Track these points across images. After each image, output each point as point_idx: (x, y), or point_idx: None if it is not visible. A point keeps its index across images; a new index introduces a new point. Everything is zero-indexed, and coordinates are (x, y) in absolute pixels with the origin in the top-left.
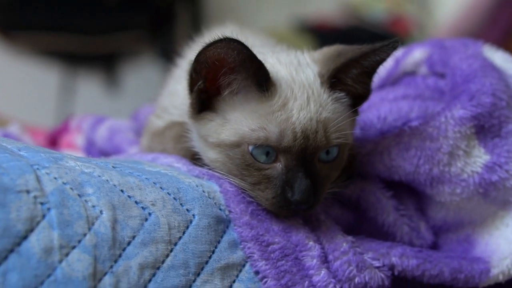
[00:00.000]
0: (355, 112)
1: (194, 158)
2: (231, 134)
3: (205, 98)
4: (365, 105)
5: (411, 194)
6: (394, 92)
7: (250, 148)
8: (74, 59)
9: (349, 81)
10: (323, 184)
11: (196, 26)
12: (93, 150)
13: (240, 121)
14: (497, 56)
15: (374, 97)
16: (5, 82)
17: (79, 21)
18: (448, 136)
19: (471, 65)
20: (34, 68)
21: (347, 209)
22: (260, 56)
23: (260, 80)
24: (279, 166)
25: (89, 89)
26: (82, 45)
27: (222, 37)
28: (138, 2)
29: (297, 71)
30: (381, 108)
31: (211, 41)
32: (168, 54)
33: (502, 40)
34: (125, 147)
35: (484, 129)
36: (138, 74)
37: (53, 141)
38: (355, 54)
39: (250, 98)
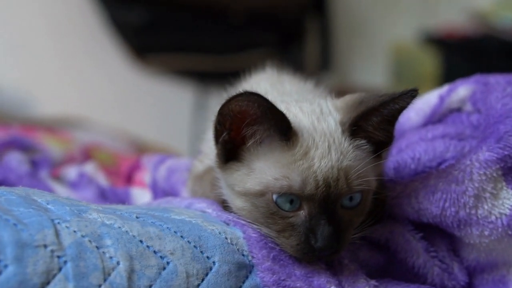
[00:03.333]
0: (379, 158)
1: (224, 206)
2: (255, 184)
3: (231, 148)
4: (403, 145)
5: (444, 235)
6: (434, 131)
7: (274, 196)
8: (207, 77)
9: (370, 129)
10: (347, 230)
11: (325, 41)
12: (157, 189)
13: (264, 171)
14: None
15: (414, 136)
16: (142, 102)
17: (209, 41)
18: (473, 179)
19: (506, 104)
20: (169, 87)
21: (376, 251)
22: (282, 106)
23: (282, 130)
24: (302, 213)
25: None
26: (214, 64)
27: (242, 91)
28: (266, 19)
29: (319, 119)
30: (416, 148)
31: (232, 95)
32: (298, 70)
33: None
34: (180, 187)
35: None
36: None
37: (128, 178)
38: (375, 102)
39: (273, 147)
